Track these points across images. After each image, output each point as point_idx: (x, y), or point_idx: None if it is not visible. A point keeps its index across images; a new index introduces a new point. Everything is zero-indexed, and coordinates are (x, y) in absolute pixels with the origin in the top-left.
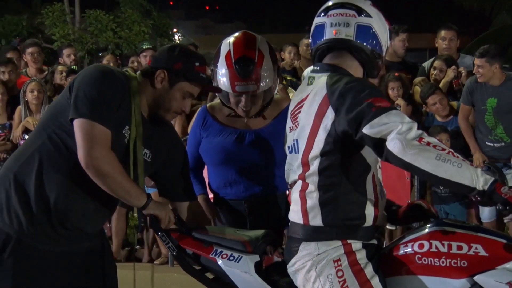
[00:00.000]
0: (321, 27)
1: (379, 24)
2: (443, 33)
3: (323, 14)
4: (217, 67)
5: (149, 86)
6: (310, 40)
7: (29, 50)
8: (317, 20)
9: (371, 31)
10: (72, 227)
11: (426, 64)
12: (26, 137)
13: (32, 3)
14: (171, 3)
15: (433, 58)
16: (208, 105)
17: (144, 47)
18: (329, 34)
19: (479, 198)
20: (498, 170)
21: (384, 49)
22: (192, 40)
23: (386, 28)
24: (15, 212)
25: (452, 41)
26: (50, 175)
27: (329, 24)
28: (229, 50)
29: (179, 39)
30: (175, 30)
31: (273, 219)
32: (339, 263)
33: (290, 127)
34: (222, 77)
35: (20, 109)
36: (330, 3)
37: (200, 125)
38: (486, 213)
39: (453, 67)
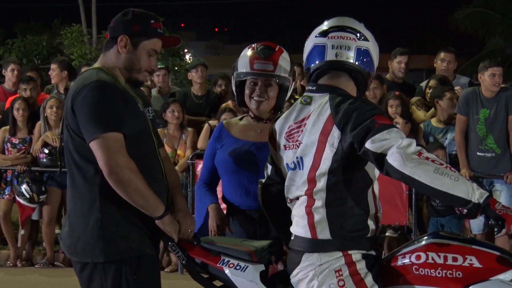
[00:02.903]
0: (321, 48)
1: (373, 47)
2: (442, 55)
3: (322, 36)
4: (239, 59)
5: (115, 56)
6: (305, 58)
7: (53, 65)
8: (315, 41)
9: (367, 53)
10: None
11: (423, 84)
12: (46, 151)
13: (52, 24)
14: (182, 25)
15: (429, 79)
16: (224, 121)
17: (158, 67)
18: (330, 55)
19: (465, 211)
20: (482, 186)
21: (375, 69)
22: (202, 60)
23: (377, 51)
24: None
25: (451, 63)
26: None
27: (330, 46)
28: (253, 45)
29: (189, 59)
30: (186, 50)
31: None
32: (340, 273)
33: (285, 146)
34: (243, 60)
35: (40, 124)
36: (327, 25)
37: (216, 138)
38: (475, 226)
39: (458, 87)
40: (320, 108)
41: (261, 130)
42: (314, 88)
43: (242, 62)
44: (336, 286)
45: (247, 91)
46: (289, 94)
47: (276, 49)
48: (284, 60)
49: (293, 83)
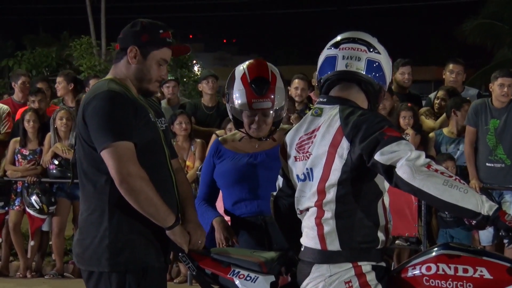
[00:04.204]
0: (332, 59)
1: (385, 60)
2: (451, 66)
3: (334, 47)
4: (232, 89)
5: (126, 67)
6: (317, 70)
7: (59, 78)
8: (327, 52)
9: (379, 66)
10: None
11: (432, 96)
12: (56, 162)
13: (61, 36)
14: (190, 36)
15: (438, 90)
16: (219, 138)
17: (168, 79)
18: (341, 66)
19: (474, 222)
20: (492, 198)
21: (387, 84)
22: (213, 72)
23: (390, 65)
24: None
25: (459, 75)
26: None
27: (341, 57)
28: (244, 72)
29: (198, 70)
30: (194, 61)
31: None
32: (350, 284)
33: (295, 157)
34: (239, 96)
35: (50, 135)
36: (340, 38)
37: (213, 154)
38: (484, 237)
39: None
40: (330, 119)
41: (258, 143)
42: (325, 100)
43: (239, 98)
44: None
45: (245, 120)
46: (284, 112)
47: (270, 80)
48: (280, 90)
49: (287, 100)
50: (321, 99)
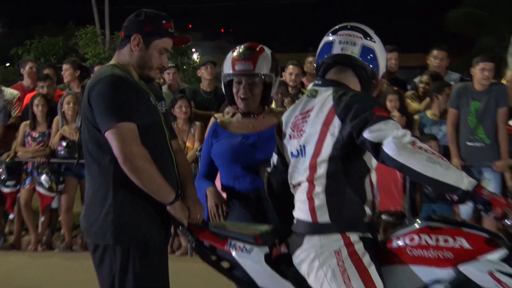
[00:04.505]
0: (329, 44)
1: (380, 50)
2: (435, 52)
3: (332, 34)
4: (223, 68)
5: (129, 54)
6: (316, 56)
7: (65, 66)
8: (326, 39)
9: (373, 53)
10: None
11: (417, 80)
12: (63, 143)
13: (67, 27)
14: (190, 26)
15: (422, 74)
16: (218, 120)
17: (168, 66)
18: (337, 49)
19: (455, 197)
20: (471, 174)
21: (380, 72)
22: (210, 58)
23: (385, 56)
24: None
25: (443, 60)
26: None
27: (338, 42)
28: (236, 47)
29: (197, 58)
30: (193, 50)
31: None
32: (339, 253)
33: (290, 135)
34: (227, 62)
35: (57, 119)
36: (338, 26)
37: (211, 135)
38: (464, 211)
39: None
40: (324, 100)
41: (252, 124)
42: (320, 82)
43: (226, 64)
44: (336, 266)
45: (234, 90)
46: (274, 89)
47: (257, 49)
48: (265, 59)
49: (277, 78)
50: (316, 82)
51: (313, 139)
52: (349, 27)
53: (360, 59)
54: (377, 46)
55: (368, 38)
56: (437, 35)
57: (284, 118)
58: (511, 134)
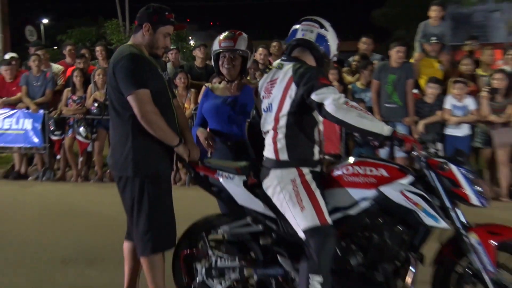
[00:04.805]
0: (295, 31)
1: (332, 38)
2: (363, 39)
3: (298, 23)
4: (212, 47)
5: (141, 37)
6: (285, 40)
7: (97, 48)
8: (293, 27)
9: (325, 40)
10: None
11: (351, 59)
12: (95, 104)
13: (98, 20)
14: (188, 20)
15: (354, 55)
16: (209, 86)
17: (171, 47)
18: (299, 35)
19: (376, 143)
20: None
21: (331, 55)
22: (203, 42)
23: (335, 43)
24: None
25: (369, 45)
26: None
27: (300, 29)
28: (223, 33)
29: (193, 43)
30: (190, 38)
31: (243, 152)
32: (295, 182)
33: (263, 96)
34: (215, 42)
35: (91, 87)
36: (304, 18)
37: (204, 96)
38: (383, 154)
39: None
40: (286, 71)
41: (233, 88)
42: (285, 58)
43: (215, 44)
44: (292, 191)
45: (220, 62)
46: (249, 62)
47: (237, 33)
48: (242, 39)
49: (252, 55)
50: (283, 58)
51: (277, 99)
52: (310, 19)
53: (316, 43)
54: (330, 34)
55: (323, 28)
56: (365, 27)
57: (259, 84)
58: (416, 99)
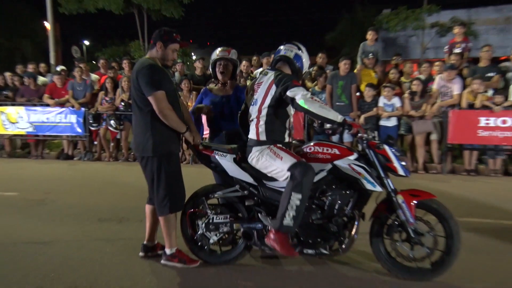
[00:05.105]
0: (279, 50)
1: (306, 58)
2: (320, 55)
3: (282, 45)
4: (211, 57)
5: (155, 52)
6: (272, 55)
7: (124, 61)
8: (279, 47)
9: (301, 59)
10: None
11: (310, 69)
12: (122, 103)
13: (124, 41)
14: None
15: (313, 67)
16: (208, 86)
17: (178, 61)
18: (282, 52)
19: (330, 131)
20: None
21: (304, 70)
22: (202, 57)
23: (308, 62)
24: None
25: (324, 59)
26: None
27: (283, 49)
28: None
29: (194, 57)
30: (192, 54)
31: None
32: (270, 148)
33: (251, 93)
34: (213, 54)
35: (119, 90)
36: (287, 41)
37: (203, 93)
38: (334, 139)
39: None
40: (269, 76)
41: (225, 90)
42: (270, 68)
43: (213, 55)
44: (269, 152)
45: (216, 68)
46: (238, 69)
47: (229, 48)
48: (233, 52)
49: (240, 64)
50: (269, 68)
51: (261, 95)
52: (292, 43)
53: (293, 60)
54: (304, 55)
55: (300, 50)
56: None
57: (249, 85)
58: (358, 99)
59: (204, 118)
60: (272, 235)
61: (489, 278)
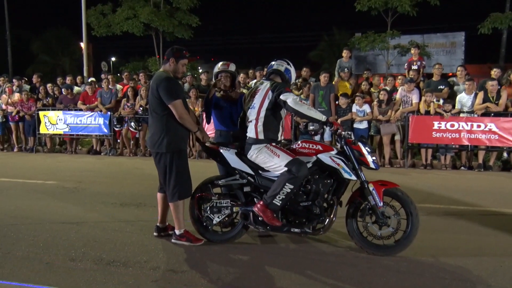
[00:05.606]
0: (272, 64)
1: (293, 72)
2: (304, 69)
3: (274, 60)
4: (214, 70)
5: (168, 67)
6: (266, 69)
7: (141, 74)
8: (272, 62)
9: (290, 72)
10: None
11: (297, 81)
12: (141, 108)
13: (144, 57)
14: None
15: (299, 79)
16: (217, 94)
17: (187, 74)
18: (274, 67)
19: (312, 132)
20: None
21: (292, 81)
22: (206, 70)
23: (295, 75)
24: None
25: (308, 73)
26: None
27: (275, 64)
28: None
29: (201, 71)
30: (199, 67)
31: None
32: (267, 146)
33: (249, 100)
34: (215, 67)
35: (138, 97)
36: (279, 58)
37: (213, 99)
38: (317, 138)
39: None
40: (265, 85)
41: (227, 96)
42: (265, 78)
43: (216, 68)
44: (267, 150)
45: (220, 81)
46: (236, 80)
47: (228, 62)
48: (233, 66)
49: (238, 76)
50: (264, 78)
51: (258, 101)
52: (282, 59)
53: (284, 73)
54: (292, 70)
55: (289, 65)
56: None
57: (246, 93)
58: (336, 106)
59: (211, 122)
60: (260, 206)
61: (439, 251)
